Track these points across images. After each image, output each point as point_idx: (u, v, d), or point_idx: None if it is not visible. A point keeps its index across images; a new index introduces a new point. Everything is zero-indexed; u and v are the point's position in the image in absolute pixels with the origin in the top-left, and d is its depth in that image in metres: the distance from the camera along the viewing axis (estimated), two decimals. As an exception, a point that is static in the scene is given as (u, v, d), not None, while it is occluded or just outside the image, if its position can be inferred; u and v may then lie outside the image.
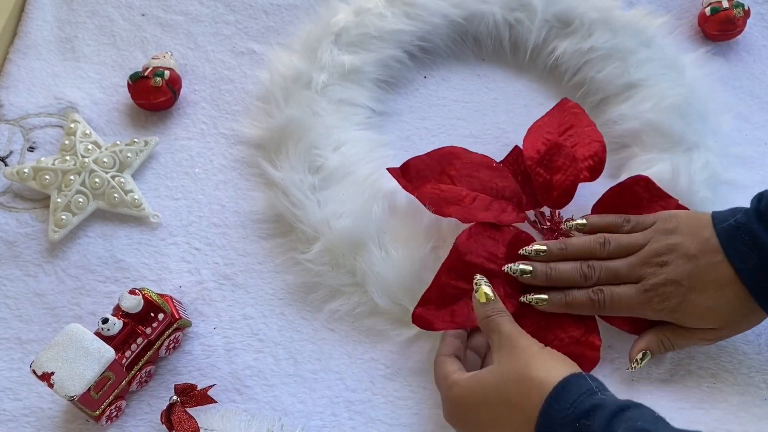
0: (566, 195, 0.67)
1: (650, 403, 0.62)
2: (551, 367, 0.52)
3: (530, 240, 0.64)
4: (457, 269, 0.62)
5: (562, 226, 0.67)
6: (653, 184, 0.66)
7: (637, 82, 0.76)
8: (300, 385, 0.64)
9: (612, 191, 0.67)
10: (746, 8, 0.82)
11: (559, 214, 0.68)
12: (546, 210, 0.69)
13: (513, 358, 0.54)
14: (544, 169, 0.68)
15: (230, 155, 0.77)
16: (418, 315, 0.61)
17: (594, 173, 0.69)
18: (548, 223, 0.68)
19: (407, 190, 0.68)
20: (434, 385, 0.64)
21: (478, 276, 0.60)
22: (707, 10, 0.82)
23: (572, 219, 0.66)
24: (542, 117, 0.74)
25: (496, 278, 0.62)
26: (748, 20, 0.83)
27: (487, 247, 0.63)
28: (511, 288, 0.62)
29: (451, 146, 0.70)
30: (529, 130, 0.72)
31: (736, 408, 0.63)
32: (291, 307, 0.68)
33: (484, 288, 0.59)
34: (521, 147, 0.71)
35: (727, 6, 0.81)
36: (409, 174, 0.69)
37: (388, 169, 0.70)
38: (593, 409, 0.48)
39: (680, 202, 0.67)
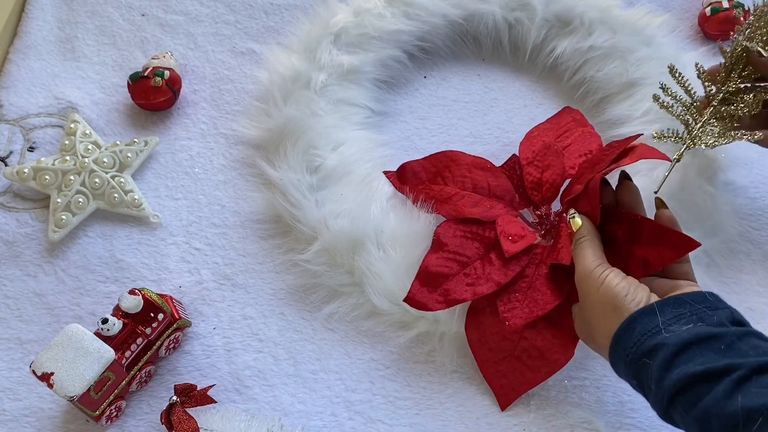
0: (554, 191, 0.68)
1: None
2: (603, 324, 0.52)
3: (517, 228, 0.65)
4: (441, 253, 0.64)
5: (552, 219, 0.68)
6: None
7: (637, 80, 0.76)
8: (300, 386, 0.64)
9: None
10: (746, 8, 0.82)
11: (549, 208, 0.68)
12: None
13: (580, 309, 0.57)
14: (535, 168, 0.69)
15: (230, 155, 0.77)
16: (412, 297, 0.63)
17: None
18: (537, 218, 0.68)
19: (400, 192, 0.70)
20: (434, 386, 0.64)
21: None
22: (707, 10, 0.82)
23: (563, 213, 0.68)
24: (541, 124, 0.75)
25: (477, 260, 0.64)
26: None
27: (465, 235, 0.65)
28: (500, 261, 0.64)
29: (449, 150, 0.72)
30: (526, 136, 0.73)
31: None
32: (291, 308, 0.68)
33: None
34: (518, 156, 0.72)
35: (727, 6, 0.81)
36: (404, 176, 0.71)
37: (384, 172, 0.71)
38: (655, 348, 0.48)
39: (682, 200, 0.68)
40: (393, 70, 0.80)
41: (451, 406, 0.63)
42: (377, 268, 0.66)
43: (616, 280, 0.53)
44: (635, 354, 0.49)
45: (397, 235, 0.67)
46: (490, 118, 0.79)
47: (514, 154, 0.72)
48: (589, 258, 0.55)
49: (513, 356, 0.63)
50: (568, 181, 0.68)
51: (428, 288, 0.63)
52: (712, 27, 0.82)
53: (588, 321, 0.55)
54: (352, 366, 0.65)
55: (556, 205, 0.69)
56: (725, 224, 0.70)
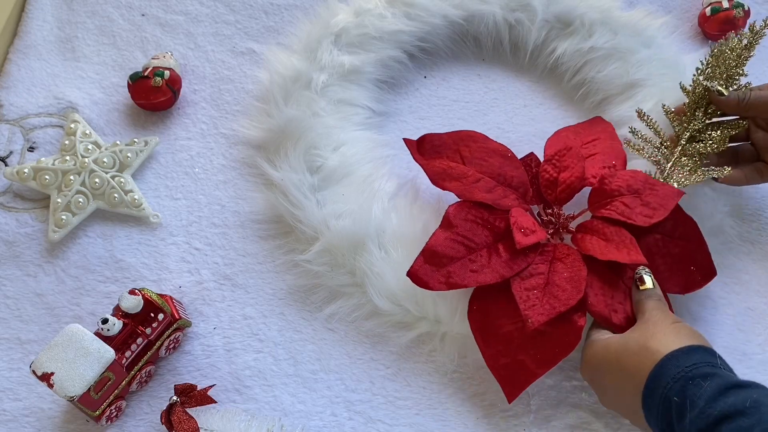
0: (568, 193, 0.68)
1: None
2: (671, 340, 0.53)
3: (527, 222, 0.65)
4: (449, 234, 0.64)
5: (561, 221, 0.67)
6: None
7: (638, 82, 0.76)
8: (300, 386, 0.64)
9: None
10: (746, 8, 0.82)
11: (560, 209, 0.68)
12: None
13: (639, 329, 0.57)
14: (552, 167, 0.69)
15: (230, 155, 0.77)
16: (414, 272, 0.62)
17: None
18: (548, 217, 0.68)
19: (417, 162, 0.69)
20: (434, 386, 0.64)
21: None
22: (707, 11, 0.82)
23: (573, 217, 0.67)
24: (571, 126, 0.74)
25: (484, 248, 0.63)
26: (748, 20, 0.83)
27: (475, 220, 0.64)
28: (507, 254, 0.63)
29: (472, 130, 0.71)
30: (555, 134, 0.73)
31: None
32: (291, 308, 0.68)
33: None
34: (535, 154, 0.71)
35: (727, 6, 0.81)
36: (423, 147, 0.70)
37: (404, 139, 0.70)
38: (711, 376, 0.49)
39: (682, 201, 0.67)
40: (393, 70, 0.80)
41: (451, 406, 0.63)
42: (379, 268, 0.66)
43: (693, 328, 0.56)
44: (691, 372, 0.50)
45: (399, 236, 0.67)
46: (490, 118, 0.79)
47: (531, 153, 0.71)
48: (669, 315, 0.58)
49: (517, 345, 0.62)
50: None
51: (431, 266, 0.62)
52: (712, 27, 0.82)
53: (642, 336, 0.56)
54: (353, 366, 0.65)
55: (566, 208, 0.69)
56: (725, 225, 0.70)
